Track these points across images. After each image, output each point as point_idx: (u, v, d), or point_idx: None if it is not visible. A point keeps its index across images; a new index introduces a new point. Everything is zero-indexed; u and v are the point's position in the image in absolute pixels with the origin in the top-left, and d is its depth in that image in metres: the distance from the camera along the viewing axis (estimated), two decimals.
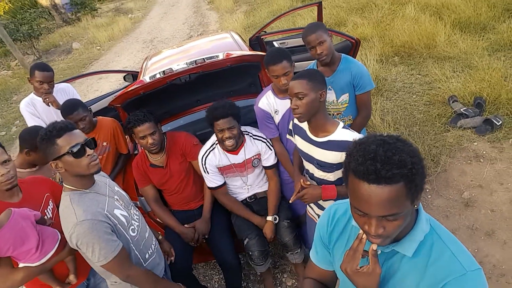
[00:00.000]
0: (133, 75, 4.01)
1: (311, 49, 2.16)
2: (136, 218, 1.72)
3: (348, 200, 1.15)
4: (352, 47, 3.26)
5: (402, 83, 4.74)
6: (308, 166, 1.88)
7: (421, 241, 0.94)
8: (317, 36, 2.10)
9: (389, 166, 0.80)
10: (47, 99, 2.76)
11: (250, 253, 2.25)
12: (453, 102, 3.92)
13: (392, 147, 0.82)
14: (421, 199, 3.07)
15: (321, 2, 4.25)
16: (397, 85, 4.71)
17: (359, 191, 0.84)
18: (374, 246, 0.92)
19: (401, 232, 0.94)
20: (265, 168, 2.37)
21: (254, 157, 2.31)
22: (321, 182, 1.83)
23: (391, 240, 0.90)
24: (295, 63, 2.21)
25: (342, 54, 2.28)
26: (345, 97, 2.27)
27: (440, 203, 2.94)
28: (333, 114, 2.33)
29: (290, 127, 1.99)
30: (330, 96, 2.27)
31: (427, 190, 3.08)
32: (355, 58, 3.09)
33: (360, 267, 0.95)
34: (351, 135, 1.67)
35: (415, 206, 0.89)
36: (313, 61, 2.39)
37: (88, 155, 1.48)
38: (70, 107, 2.46)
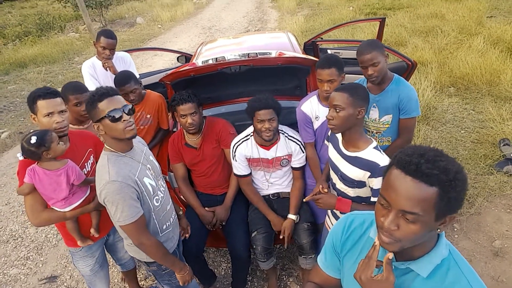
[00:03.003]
0: (186, 57, 4.17)
1: (363, 68, 2.10)
2: (162, 189, 1.81)
3: (366, 212, 1.15)
4: (407, 69, 3.17)
5: (452, 115, 4.54)
6: (332, 175, 1.90)
7: (437, 265, 0.93)
8: (372, 57, 2.03)
9: (432, 166, 0.81)
10: (106, 64, 2.97)
11: (254, 246, 2.29)
12: (504, 145, 3.70)
13: (444, 156, 0.84)
14: (447, 237, 2.89)
15: (385, 18, 4.17)
16: (447, 117, 4.51)
17: (394, 180, 0.85)
18: (390, 255, 0.92)
19: (418, 251, 0.93)
20: (293, 169, 2.39)
21: (284, 157, 2.34)
22: (340, 194, 1.84)
23: (401, 247, 0.89)
24: (346, 75, 2.19)
25: (395, 75, 2.22)
26: (388, 118, 2.22)
27: (466, 245, 2.80)
28: (373, 132, 2.29)
29: (329, 133, 2.00)
30: (373, 113, 2.23)
31: (455, 229, 2.94)
32: (408, 81, 3.01)
33: (374, 276, 0.95)
34: (380, 158, 1.64)
35: (438, 229, 0.87)
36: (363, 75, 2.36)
37: (124, 120, 1.54)
38: (123, 79, 2.61)
